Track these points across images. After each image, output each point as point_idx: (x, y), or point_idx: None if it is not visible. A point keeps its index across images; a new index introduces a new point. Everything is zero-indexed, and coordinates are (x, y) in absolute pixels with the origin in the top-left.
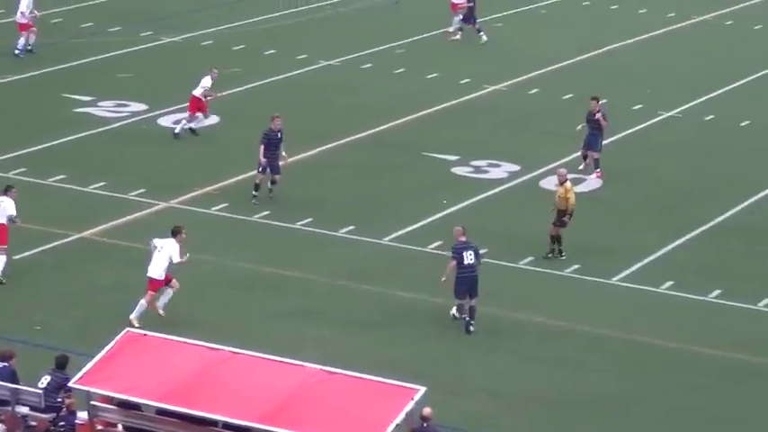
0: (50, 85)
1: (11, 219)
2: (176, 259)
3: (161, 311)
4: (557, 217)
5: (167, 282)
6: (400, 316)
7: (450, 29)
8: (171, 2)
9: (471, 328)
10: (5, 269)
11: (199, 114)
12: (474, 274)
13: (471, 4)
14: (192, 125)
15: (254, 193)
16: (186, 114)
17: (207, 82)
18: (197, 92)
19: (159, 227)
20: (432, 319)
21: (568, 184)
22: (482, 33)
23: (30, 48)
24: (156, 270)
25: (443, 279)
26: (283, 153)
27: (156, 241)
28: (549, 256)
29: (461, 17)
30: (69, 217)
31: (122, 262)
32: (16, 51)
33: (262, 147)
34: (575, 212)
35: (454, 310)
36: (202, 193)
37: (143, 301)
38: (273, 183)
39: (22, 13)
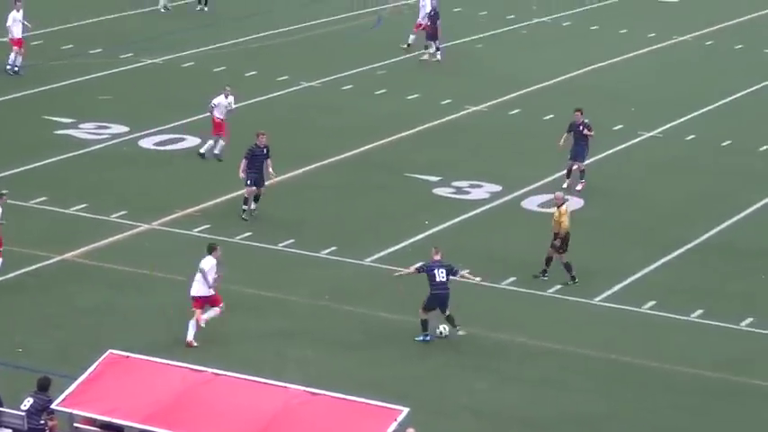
0: (31, 108)
1: None
2: (205, 267)
3: (202, 324)
4: (552, 239)
5: (214, 303)
6: (383, 336)
7: (431, 50)
8: (151, 24)
9: (460, 332)
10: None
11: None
12: (446, 291)
13: (436, 24)
14: (203, 150)
15: (243, 207)
16: (220, 140)
17: (220, 100)
18: (217, 113)
19: (141, 249)
20: (414, 340)
21: (564, 207)
22: (429, 51)
23: (16, 69)
24: (194, 288)
25: (396, 274)
26: (271, 170)
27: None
28: (543, 277)
29: (429, 36)
30: (51, 239)
31: (104, 284)
32: (7, 67)
33: (244, 161)
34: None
35: (441, 328)
36: (184, 215)
37: (193, 321)
38: (257, 198)
39: (8, 27)
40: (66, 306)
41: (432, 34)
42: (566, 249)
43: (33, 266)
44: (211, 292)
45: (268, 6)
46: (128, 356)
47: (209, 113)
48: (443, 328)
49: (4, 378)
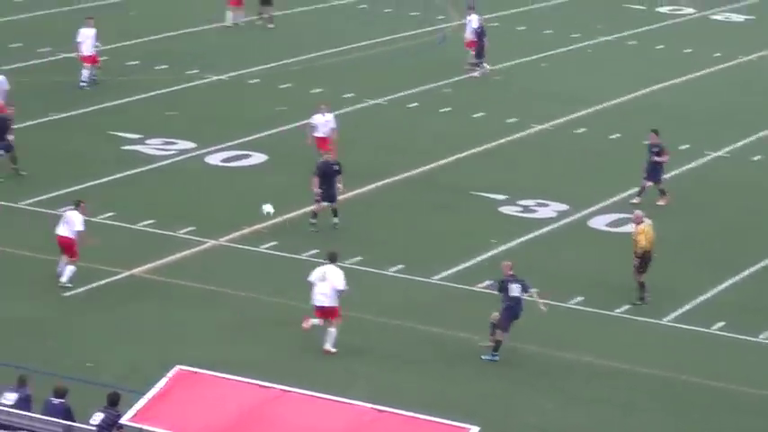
0: (98, 123)
1: (76, 232)
2: (341, 286)
3: (332, 349)
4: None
5: (333, 315)
6: (450, 354)
7: (486, 66)
8: (217, 40)
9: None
10: (73, 276)
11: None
12: (520, 305)
13: (482, 41)
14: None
15: (311, 221)
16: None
17: (318, 120)
18: (319, 133)
19: (208, 265)
20: (481, 358)
21: (641, 226)
22: (479, 68)
23: (84, 83)
24: (324, 299)
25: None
26: (340, 185)
27: (317, 271)
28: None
29: (473, 53)
30: (118, 254)
31: (172, 299)
32: (81, 84)
33: (316, 178)
34: (651, 256)
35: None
36: (251, 231)
37: (332, 329)
38: (335, 213)
39: (78, 43)
40: (134, 321)
41: (477, 51)
42: (645, 269)
43: (102, 282)
44: (334, 303)
45: (332, 24)
46: (196, 372)
47: (309, 135)
48: (493, 347)
49: (74, 393)
